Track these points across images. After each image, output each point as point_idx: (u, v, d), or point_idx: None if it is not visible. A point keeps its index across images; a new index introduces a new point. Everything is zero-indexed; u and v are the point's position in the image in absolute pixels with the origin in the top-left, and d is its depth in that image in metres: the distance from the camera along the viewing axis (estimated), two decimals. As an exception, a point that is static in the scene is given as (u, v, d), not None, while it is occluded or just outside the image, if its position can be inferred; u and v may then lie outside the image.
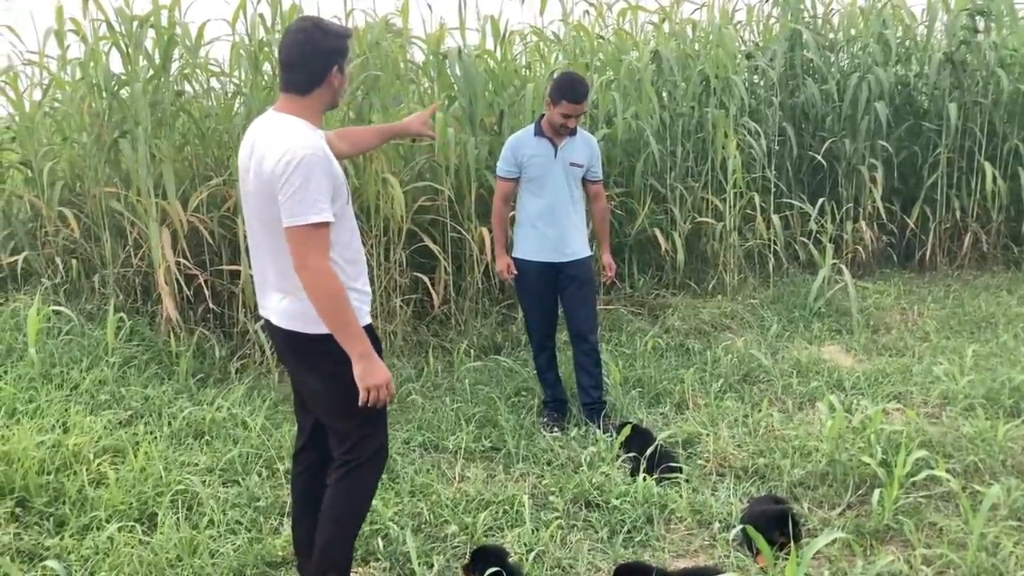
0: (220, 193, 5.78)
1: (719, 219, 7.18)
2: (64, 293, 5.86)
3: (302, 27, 2.81)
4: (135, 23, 5.57)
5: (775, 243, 7.28)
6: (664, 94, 7.37)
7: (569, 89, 4.50)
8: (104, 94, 5.67)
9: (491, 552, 3.23)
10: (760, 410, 4.75)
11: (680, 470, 4.04)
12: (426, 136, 3.68)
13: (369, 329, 2.89)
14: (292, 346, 2.86)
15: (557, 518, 3.65)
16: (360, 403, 2.69)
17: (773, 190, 7.52)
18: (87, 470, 3.81)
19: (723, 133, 7.03)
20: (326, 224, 2.61)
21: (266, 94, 5.62)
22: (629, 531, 3.59)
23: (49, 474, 3.75)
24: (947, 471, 3.81)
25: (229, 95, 6.29)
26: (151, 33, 5.63)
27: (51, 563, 3.10)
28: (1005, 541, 3.32)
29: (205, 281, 5.58)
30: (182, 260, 5.52)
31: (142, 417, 4.51)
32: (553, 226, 4.66)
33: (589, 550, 3.47)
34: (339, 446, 2.91)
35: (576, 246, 4.72)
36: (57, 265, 5.86)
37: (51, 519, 3.53)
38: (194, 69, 6.03)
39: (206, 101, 6.26)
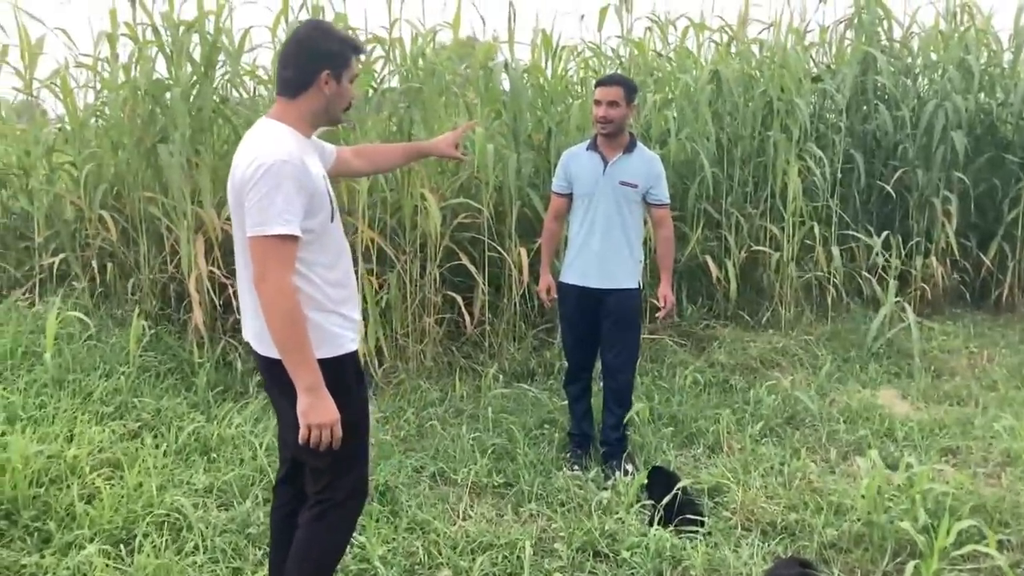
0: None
1: (776, 248, 6.82)
2: (99, 296, 5.84)
3: (304, 26, 2.67)
4: (180, 28, 5.56)
5: (835, 276, 6.87)
6: (726, 116, 7.05)
7: (600, 78, 4.48)
8: (146, 98, 5.66)
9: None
10: (799, 458, 4.41)
11: (702, 523, 3.74)
12: (455, 158, 3.47)
13: (354, 356, 2.70)
14: (271, 373, 2.67)
15: (560, 568, 3.39)
16: (300, 440, 2.48)
17: (836, 220, 7.11)
18: (81, 484, 3.69)
19: (784, 159, 6.69)
20: (292, 238, 2.40)
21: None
22: (636, 588, 3.31)
23: (41, 486, 3.64)
24: (999, 542, 3.43)
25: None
26: (196, 39, 5.61)
27: (17, 585, 2.98)
28: (1058, 632, 2.95)
29: (235, 291, 5.48)
30: (215, 269, 5.44)
31: (152, 429, 4.39)
32: (596, 250, 4.31)
33: (590, 607, 3.20)
34: (314, 483, 2.71)
35: (619, 275, 4.32)
36: (93, 268, 5.85)
37: (37, 535, 3.40)
38: (235, 76, 5.96)
39: (251, 109, 6.20)
